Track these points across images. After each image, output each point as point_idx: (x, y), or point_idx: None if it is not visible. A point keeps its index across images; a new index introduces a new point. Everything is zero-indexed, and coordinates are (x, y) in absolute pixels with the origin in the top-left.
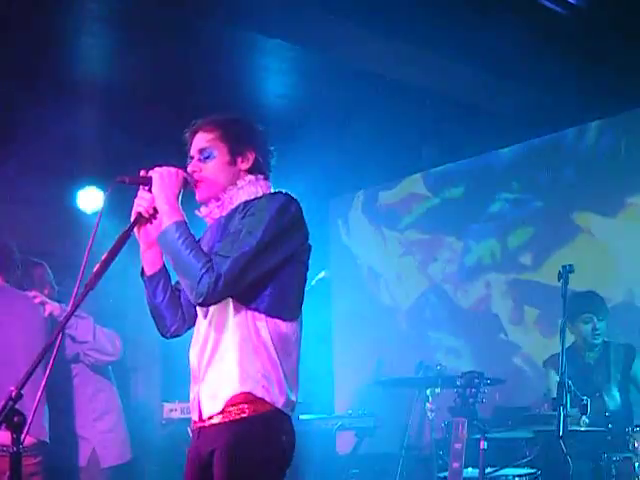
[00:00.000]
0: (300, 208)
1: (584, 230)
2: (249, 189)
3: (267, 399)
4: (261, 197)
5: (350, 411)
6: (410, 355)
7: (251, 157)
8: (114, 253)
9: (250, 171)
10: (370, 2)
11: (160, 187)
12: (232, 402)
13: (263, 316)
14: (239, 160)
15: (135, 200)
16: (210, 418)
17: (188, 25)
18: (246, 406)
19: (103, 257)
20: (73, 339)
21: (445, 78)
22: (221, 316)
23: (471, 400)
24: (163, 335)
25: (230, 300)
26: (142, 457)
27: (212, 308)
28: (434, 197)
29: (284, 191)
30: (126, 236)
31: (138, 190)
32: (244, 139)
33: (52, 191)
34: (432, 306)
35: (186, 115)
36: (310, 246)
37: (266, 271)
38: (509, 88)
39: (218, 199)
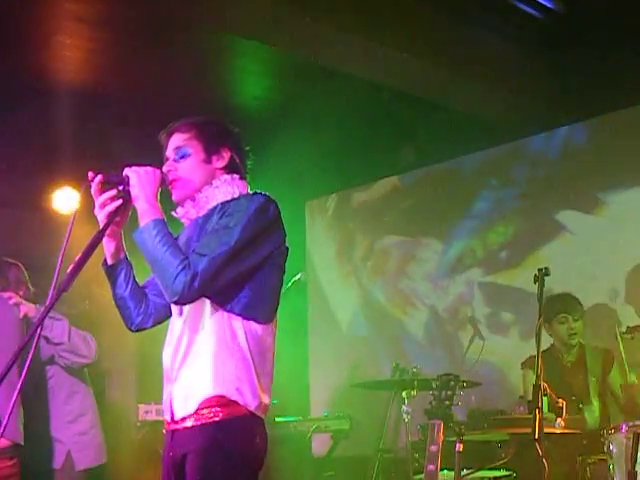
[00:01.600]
0: (278, 210)
1: (563, 230)
2: (225, 189)
3: (240, 402)
4: (239, 197)
5: (326, 413)
6: (386, 357)
7: (226, 156)
8: (88, 254)
9: (226, 170)
10: (346, 4)
11: (139, 186)
12: (205, 404)
13: (239, 318)
14: (214, 158)
15: (101, 200)
16: (183, 420)
17: (164, 27)
18: (219, 409)
19: (77, 258)
20: (48, 340)
21: (421, 80)
22: (196, 316)
23: (447, 402)
24: (128, 327)
25: (206, 300)
26: (118, 459)
27: (187, 308)
28: (410, 198)
29: (263, 192)
30: (100, 237)
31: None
32: (219, 138)
33: (28, 192)
34: (408, 307)
35: (161, 116)
36: (287, 249)
37: (243, 272)
38: (483, 90)
39: (194, 199)
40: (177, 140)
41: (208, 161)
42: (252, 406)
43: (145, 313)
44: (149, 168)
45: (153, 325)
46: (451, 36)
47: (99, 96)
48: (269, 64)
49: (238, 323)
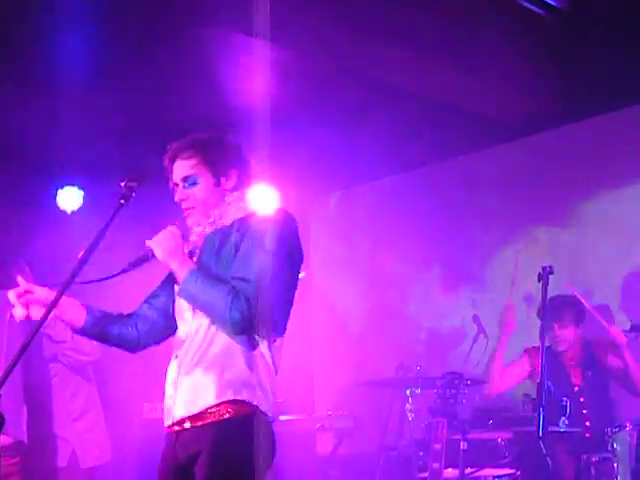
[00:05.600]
0: (297, 224)
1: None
2: (237, 205)
3: (252, 402)
4: (261, 216)
5: (330, 412)
6: (390, 356)
7: (234, 175)
8: (90, 252)
9: (235, 188)
10: (351, 2)
11: (163, 251)
12: (213, 406)
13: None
14: (223, 180)
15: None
16: (189, 420)
17: (169, 24)
18: (229, 407)
19: (79, 256)
20: (50, 339)
21: (423, 78)
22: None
23: (451, 401)
24: (133, 352)
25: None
26: (122, 457)
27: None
28: (412, 197)
29: (282, 208)
30: (102, 235)
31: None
32: (224, 159)
33: (31, 190)
34: (412, 306)
35: (166, 114)
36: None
37: (287, 294)
38: (488, 89)
39: (208, 216)
40: (183, 168)
41: (217, 184)
42: (263, 406)
43: (138, 334)
44: (167, 231)
45: (155, 344)
46: (457, 34)
47: (103, 94)
48: (273, 63)
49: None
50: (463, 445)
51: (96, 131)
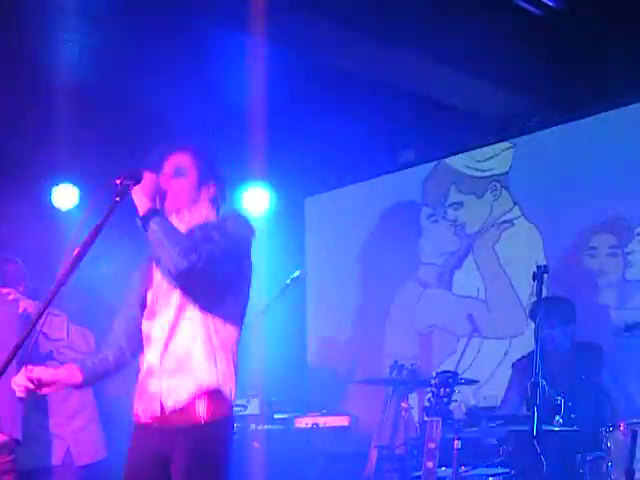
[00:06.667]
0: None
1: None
2: (207, 214)
3: (227, 396)
4: (232, 214)
5: (325, 410)
6: (385, 354)
7: (212, 190)
8: (86, 249)
9: (208, 201)
10: (350, 2)
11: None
12: (196, 396)
13: (220, 320)
14: (203, 188)
15: None
16: (173, 414)
17: (168, 24)
18: (206, 406)
19: (74, 253)
20: (46, 336)
21: (418, 77)
22: (178, 318)
23: (445, 400)
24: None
25: (189, 303)
26: (117, 455)
27: (170, 310)
28: (408, 195)
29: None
30: (98, 231)
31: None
32: (211, 171)
33: (27, 188)
34: (408, 304)
35: (163, 113)
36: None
37: (233, 274)
38: (483, 89)
39: (179, 213)
40: (177, 160)
41: (198, 189)
42: (233, 398)
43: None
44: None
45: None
46: (452, 33)
47: (99, 93)
48: (270, 62)
49: (220, 325)
50: (457, 444)
51: (92, 129)
